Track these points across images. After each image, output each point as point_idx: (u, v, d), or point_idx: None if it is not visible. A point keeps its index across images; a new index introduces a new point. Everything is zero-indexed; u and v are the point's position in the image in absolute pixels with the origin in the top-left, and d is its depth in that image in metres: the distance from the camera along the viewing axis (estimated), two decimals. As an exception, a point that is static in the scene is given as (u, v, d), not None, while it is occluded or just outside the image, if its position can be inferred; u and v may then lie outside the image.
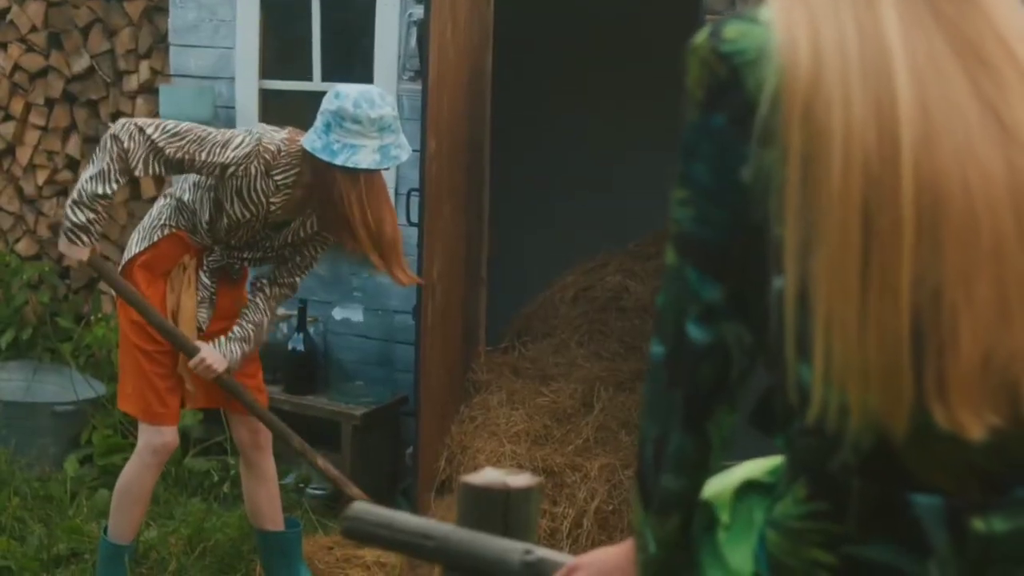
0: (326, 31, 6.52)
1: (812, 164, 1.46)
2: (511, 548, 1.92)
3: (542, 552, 1.90)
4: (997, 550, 1.54)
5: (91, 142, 7.12)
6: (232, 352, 4.60)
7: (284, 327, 6.20)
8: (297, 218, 4.56)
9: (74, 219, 4.36)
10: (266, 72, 6.65)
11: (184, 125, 4.42)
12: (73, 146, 7.21)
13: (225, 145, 4.34)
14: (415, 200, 5.60)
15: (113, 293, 4.81)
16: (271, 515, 4.95)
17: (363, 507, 2.08)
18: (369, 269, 4.69)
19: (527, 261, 7.14)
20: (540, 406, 6.04)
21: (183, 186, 4.63)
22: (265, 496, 4.93)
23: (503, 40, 6.15)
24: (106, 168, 4.32)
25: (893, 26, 1.49)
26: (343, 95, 4.29)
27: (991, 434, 1.48)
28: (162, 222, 4.61)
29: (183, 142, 4.33)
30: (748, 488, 1.80)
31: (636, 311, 6.78)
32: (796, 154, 1.47)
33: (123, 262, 4.68)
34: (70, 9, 7.10)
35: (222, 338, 4.60)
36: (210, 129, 4.46)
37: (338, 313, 6.32)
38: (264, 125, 4.55)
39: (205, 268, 4.68)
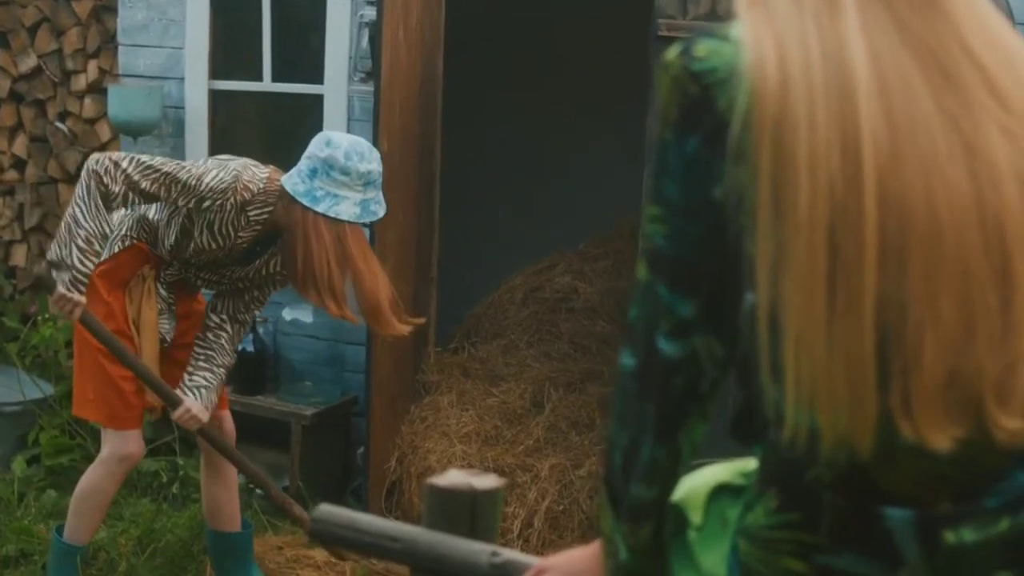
0: (276, 32, 6.50)
1: (780, 188, 1.47)
2: (478, 550, 1.93)
3: (509, 554, 1.92)
4: (967, 560, 1.56)
5: (38, 142, 7.09)
6: (211, 401, 4.59)
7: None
8: (262, 256, 4.56)
9: (83, 268, 4.25)
10: (216, 72, 6.63)
11: (158, 159, 4.35)
12: (20, 146, 7.15)
13: (200, 178, 4.28)
14: (367, 201, 5.60)
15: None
16: (231, 516, 4.95)
17: (329, 509, 2.09)
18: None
19: (476, 262, 7.16)
20: (490, 407, 6.06)
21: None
22: (226, 497, 4.92)
23: (453, 41, 6.16)
24: (95, 208, 4.22)
25: (857, 43, 1.49)
26: (335, 144, 4.26)
27: (958, 446, 1.49)
28: (123, 233, 4.57)
29: (158, 175, 4.26)
30: (720, 490, 1.82)
31: (585, 312, 6.82)
32: (766, 176, 1.48)
33: None
34: (17, 8, 7.04)
35: (202, 390, 4.56)
36: (183, 163, 4.42)
37: (288, 313, 6.30)
38: (247, 160, 4.46)
39: (162, 280, 4.65)
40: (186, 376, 4.59)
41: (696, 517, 1.82)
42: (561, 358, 6.52)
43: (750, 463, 1.84)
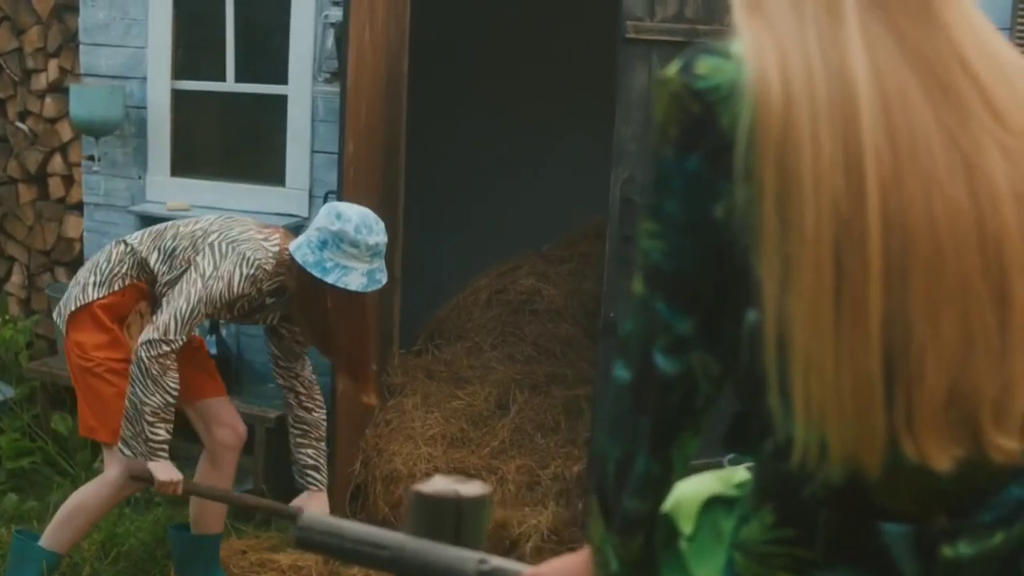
0: (239, 31, 6.46)
1: (786, 206, 1.46)
2: (466, 557, 1.92)
3: (497, 561, 1.91)
4: (964, 574, 1.57)
5: (-2, 140, 7.04)
6: (325, 480, 4.93)
7: (197, 330, 6.13)
8: (263, 311, 4.67)
9: (155, 438, 4.40)
10: (178, 72, 6.58)
11: (189, 294, 4.41)
12: (-21, 146, 7.10)
13: (230, 286, 4.41)
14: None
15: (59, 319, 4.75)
16: (217, 518, 4.99)
17: (315, 517, 2.07)
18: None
19: (440, 263, 7.14)
20: (455, 409, 6.05)
21: (147, 247, 4.64)
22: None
23: (420, 42, 6.14)
24: (152, 384, 4.34)
25: (859, 56, 1.49)
26: (345, 217, 4.35)
27: (956, 463, 1.50)
28: (123, 271, 4.62)
29: (197, 315, 4.40)
30: (713, 501, 1.82)
31: (549, 314, 6.81)
32: (771, 194, 1.47)
33: (80, 304, 4.62)
34: (-24, 7, 6.99)
35: (314, 474, 4.87)
36: (203, 269, 4.44)
37: (251, 315, 6.26)
38: (252, 233, 4.56)
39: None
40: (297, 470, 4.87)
41: (687, 527, 1.82)
42: (525, 360, 6.52)
43: (738, 473, 1.83)
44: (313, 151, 6.25)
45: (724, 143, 1.52)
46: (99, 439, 4.70)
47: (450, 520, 1.98)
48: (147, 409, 4.35)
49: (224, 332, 6.16)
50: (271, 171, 6.40)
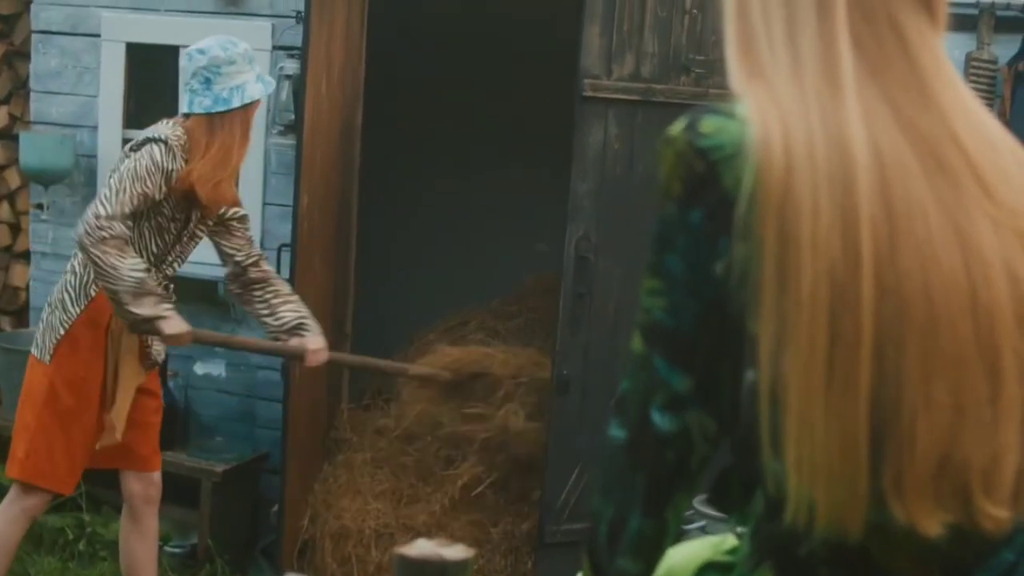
0: (193, 82, 6.42)
1: (784, 267, 1.48)
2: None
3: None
4: None
5: (-53, 187, 6.96)
6: (316, 325, 4.89)
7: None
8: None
9: (143, 313, 4.40)
10: (130, 121, 6.53)
11: (111, 183, 4.45)
12: (-71, 189, 7.02)
13: (151, 158, 4.45)
14: (286, 255, 5.57)
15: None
16: (149, 572, 4.90)
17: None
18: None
19: (390, 317, 7.11)
20: (405, 465, 6.01)
21: None
22: (145, 552, 4.88)
23: (372, 94, 6.14)
24: (114, 265, 4.34)
25: (858, 127, 1.51)
26: (204, 49, 4.52)
27: (948, 530, 1.51)
28: (92, 277, 4.58)
29: (126, 190, 4.39)
30: (707, 568, 1.81)
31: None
32: (771, 255, 1.49)
33: (65, 329, 4.60)
34: (-75, 51, 6.93)
35: (307, 321, 4.83)
36: (121, 172, 4.48)
37: (200, 368, 6.22)
38: (146, 132, 4.64)
39: None
40: (276, 317, 4.85)
41: None
42: (475, 416, 6.47)
43: (728, 539, 1.83)
44: (265, 203, 6.23)
45: (726, 201, 1.54)
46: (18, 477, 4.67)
47: (433, 583, 1.95)
48: (123, 298, 4.36)
49: (172, 384, 6.10)
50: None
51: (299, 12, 5.71)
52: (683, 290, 1.60)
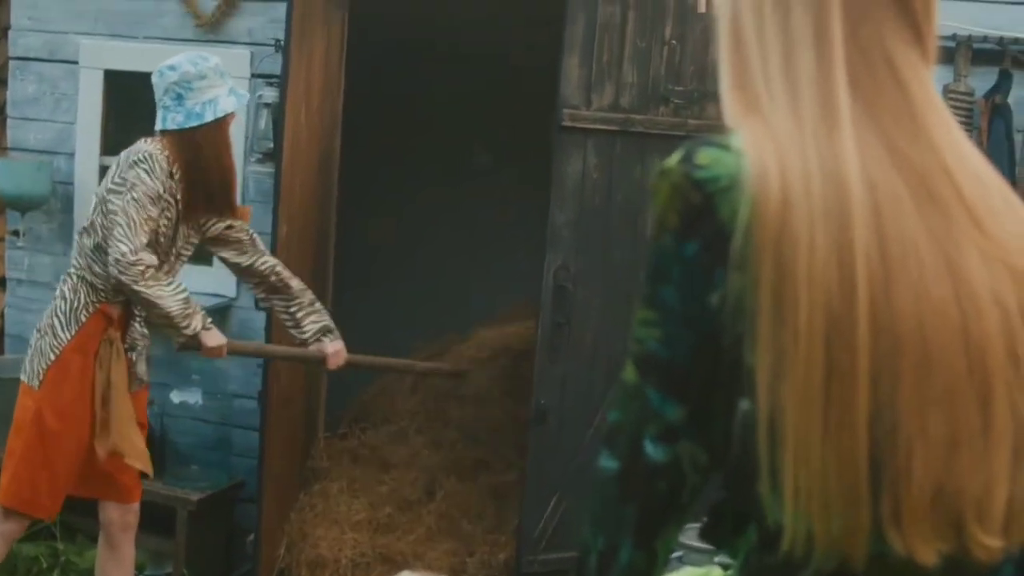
0: (171, 109, 6.41)
1: (781, 300, 1.49)
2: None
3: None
4: None
5: (-78, 213, 6.92)
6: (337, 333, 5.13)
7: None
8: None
9: (192, 322, 4.56)
10: (107, 148, 6.52)
11: (122, 217, 4.46)
12: (-97, 218, 6.98)
13: (143, 182, 4.48)
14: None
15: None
16: None
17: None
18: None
19: (367, 345, 7.09)
20: (381, 494, 6.00)
21: (86, 261, 4.66)
22: None
23: (350, 122, 6.14)
24: (157, 295, 4.45)
25: (854, 163, 1.52)
26: (175, 65, 4.57)
27: (943, 559, 1.52)
28: (82, 303, 4.62)
29: (134, 221, 4.43)
30: None
31: (475, 400, 6.76)
32: (767, 288, 1.50)
33: (56, 354, 4.61)
34: (-99, 77, 6.90)
35: (329, 327, 5.08)
36: (119, 194, 4.51)
37: (176, 396, 6.20)
38: (128, 152, 4.68)
39: (138, 320, 4.76)
40: (301, 330, 5.05)
41: None
42: (451, 446, 6.47)
43: (714, 571, 1.83)
44: (243, 231, 6.20)
45: (722, 233, 1.54)
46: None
47: (416, 611, 1.95)
48: (177, 322, 4.51)
49: (148, 413, 6.07)
50: (199, 250, 6.35)
51: (278, 40, 5.71)
52: (678, 321, 1.60)
